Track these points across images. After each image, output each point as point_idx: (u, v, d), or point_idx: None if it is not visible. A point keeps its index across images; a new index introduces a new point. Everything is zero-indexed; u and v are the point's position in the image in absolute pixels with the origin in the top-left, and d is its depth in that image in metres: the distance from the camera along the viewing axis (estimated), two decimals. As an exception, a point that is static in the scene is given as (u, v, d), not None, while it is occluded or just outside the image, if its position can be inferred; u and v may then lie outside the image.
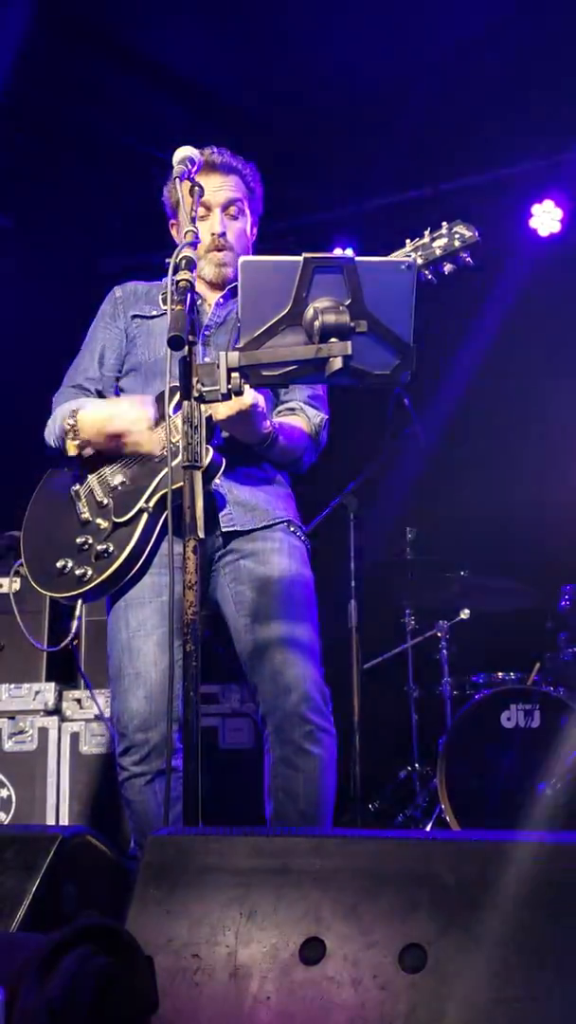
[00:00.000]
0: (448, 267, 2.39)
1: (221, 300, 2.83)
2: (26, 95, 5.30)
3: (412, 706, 4.94)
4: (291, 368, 2.05)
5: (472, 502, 5.84)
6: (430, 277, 2.39)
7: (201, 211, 2.74)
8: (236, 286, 2.75)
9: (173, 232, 2.89)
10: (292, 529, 2.74)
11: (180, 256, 2.13)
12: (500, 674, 4.58)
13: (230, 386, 2.03)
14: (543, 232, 5.70)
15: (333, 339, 2.00)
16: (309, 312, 2.01)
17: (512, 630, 5.22)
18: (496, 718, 4.23)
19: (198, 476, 2.03)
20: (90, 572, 2.59)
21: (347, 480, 4.60)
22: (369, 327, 2.03)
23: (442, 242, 2.37)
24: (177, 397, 2.39)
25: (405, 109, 5.28)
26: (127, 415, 2.62)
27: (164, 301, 2.84)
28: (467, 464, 5.86)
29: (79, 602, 2.65)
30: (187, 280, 2.08)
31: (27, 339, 5.89)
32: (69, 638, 3.03)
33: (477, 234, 2.38)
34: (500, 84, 5.10)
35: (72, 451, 2.69)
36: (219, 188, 2.78)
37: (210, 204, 2.77)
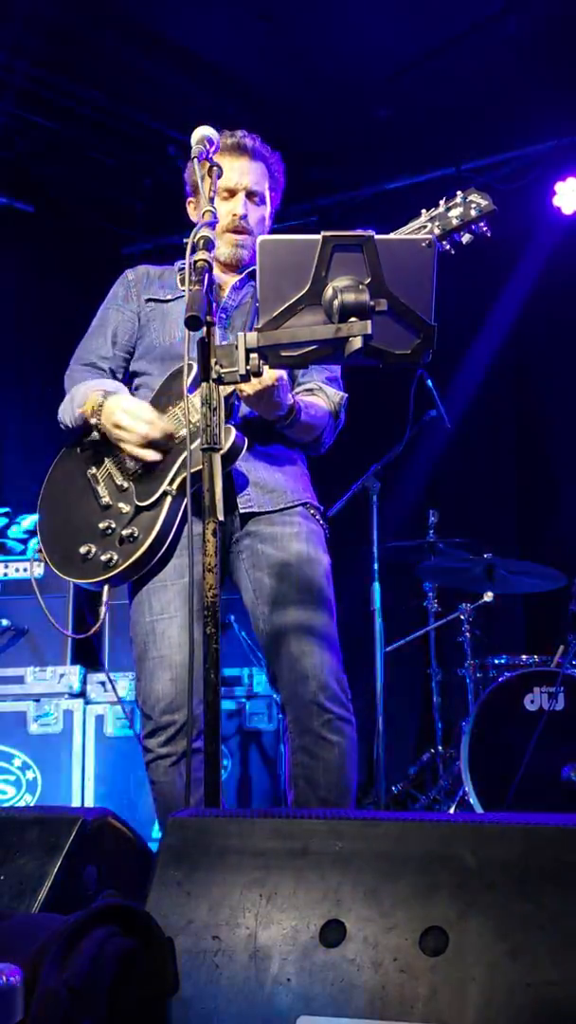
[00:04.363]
0: (466, 237, 2.36)
1: (237, 284, 2.80)
2: (47, 78, 5.29)
3: (435, 689, 4.93)
4: (310, 348, 2.02)
5: (495, 484, 5.81)
6: (448, 248, 2.36)
7: (224, 193, 2.74)
8: (253, 270, 2.75)
9: (190, 209, 2.86)
10: (311, 512, 2.73)
11: (198, 236, 2.11)
12: (523, 656, 4.56)
13: (248, 367, 2.01)
14: (567, 210, 5.63)
15: (353, 318, 1.96)
16: (328, 291, 1.98)
17: (535, 612, 5.20)
18: (519, 701, 4.21)
19: (217, 458, 2.02)
20: (116, 557, 2.58)
21: (369, 462, 4.59)
22: (389, 306, 1.99)
23: (458, 211, 2.35)
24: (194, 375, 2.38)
25: (426, 87, 5.23)
26: (141, 419, 2.59)
27: (182, 282, 2.82)
28: (490, 446, 5.83)
29: (105, 588, 2.64)
30: (205, 260, 2.06)
31: (47, 324, 5.91)
32: (97, 625, 3.03)
33: (492, 202, 2.35)
34: (522, 60, 5.03)
35: (70, 422, 2.72)
36: (246, 173, 2.77)
37: (235, 188, 2.75)
